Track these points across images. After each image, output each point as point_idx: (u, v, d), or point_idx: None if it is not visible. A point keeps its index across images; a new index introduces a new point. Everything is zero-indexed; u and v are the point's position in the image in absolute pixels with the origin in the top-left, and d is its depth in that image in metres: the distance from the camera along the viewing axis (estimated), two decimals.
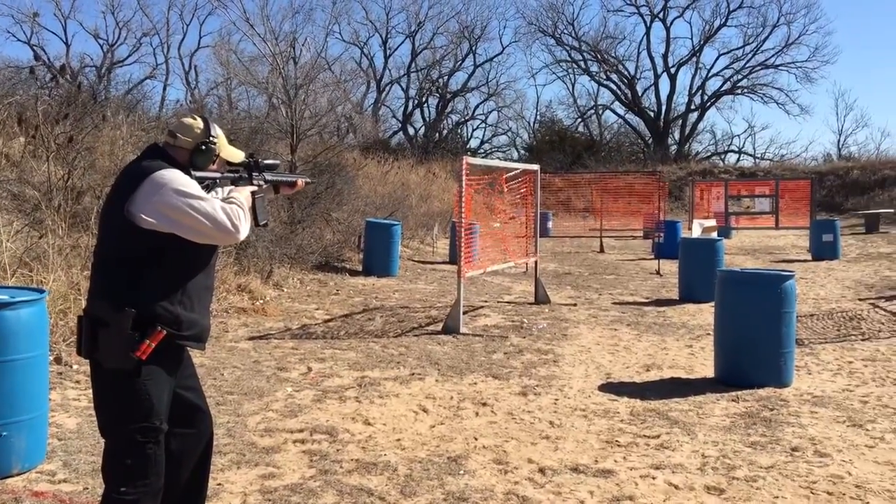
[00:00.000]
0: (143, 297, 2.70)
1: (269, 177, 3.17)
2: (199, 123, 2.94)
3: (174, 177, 2.75)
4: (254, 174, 3.11)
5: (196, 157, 2.90)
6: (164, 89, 40.17)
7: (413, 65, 46.82)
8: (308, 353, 7.14)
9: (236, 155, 3.07)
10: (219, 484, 4.03)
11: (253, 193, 3.04)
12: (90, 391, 5.57)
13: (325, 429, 4.94)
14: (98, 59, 36.75)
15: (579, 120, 49.19)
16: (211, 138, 2.92)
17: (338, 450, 4.57)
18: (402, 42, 48.22)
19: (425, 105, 48.39)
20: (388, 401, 5.66)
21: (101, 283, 2.80)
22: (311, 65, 15.82)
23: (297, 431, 4.89)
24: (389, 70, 47.25)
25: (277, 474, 4.18)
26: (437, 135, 46.67)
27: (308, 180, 3.56)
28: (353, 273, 13.11)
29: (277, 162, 3.28)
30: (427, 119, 48.21)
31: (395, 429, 5.02)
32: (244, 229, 2.82)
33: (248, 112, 19.68)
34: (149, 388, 2.74)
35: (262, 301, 9.49)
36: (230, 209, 2.80)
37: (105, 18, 51.76)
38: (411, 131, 47.70)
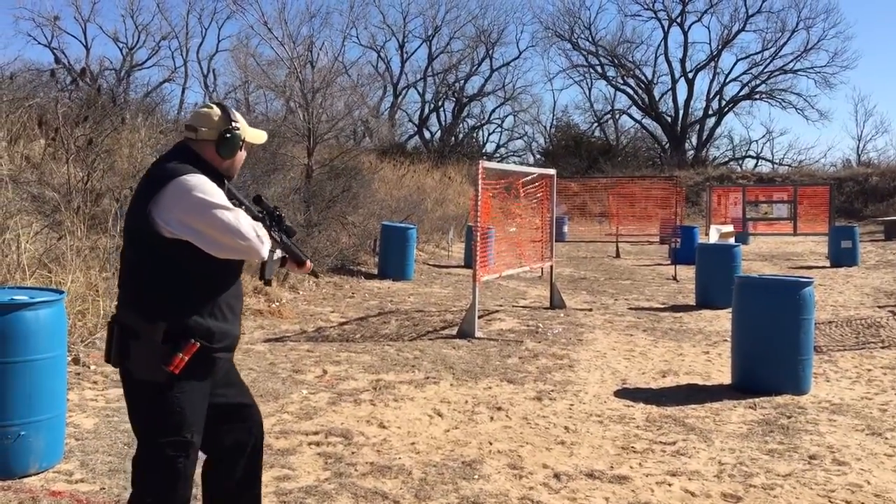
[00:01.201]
0: (175, 308, 2.58)
1: (285, 239, 2.95)
2: (217, 111, 2.75)
3: (200, 183, 2.58)
4: (273, 228, 2.88)
5: (222, 148, 2.71)
6: (183, 92, 40.46)
7: (429, 69, 46.94)
8: (323, 355, 7.15)
9: (260, 136, 2.91)
10: None
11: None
12: (107, 392, 5.63)
13: (340, 431, 4.94)
14: (117, 63, 37.12)
15: (595, 124, 49.13)
16: (233, 124, 2.72)
17: (353, 452, 4.57)
18: (419, 46, 48.22)
19: (441, 109, 48.50)
20: (403, 404, 5.66)
21: (131, 291, 2.67)
22: (329, 69, 15.88)
23: (313, 434, 4.89)
24: (406, 74, 47.40)
25: (292, 476, 4.19)
26: (453, 139, 46.71)
27: (317, 273, 3.28)
28: (369, 276, 13.14)
29: (296, 231, 3.07)
30: (443, 123, 48.30)
31: (410, 432, 5.01)
32: (266, 249, 2.68)
33: (266, 115, 19.75)
34: (182, 401, 2.62)
35: (278, 303, 9.52)
36: (255, 224, 2.66)
37: (124, 22, 52.04)
38: (427, 135, 47.81)
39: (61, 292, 4.42)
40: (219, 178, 2.70)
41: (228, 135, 2.71)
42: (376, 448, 4.66)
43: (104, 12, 62.93)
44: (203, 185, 2.58)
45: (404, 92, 47.47)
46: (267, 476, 4.19)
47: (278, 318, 8.89)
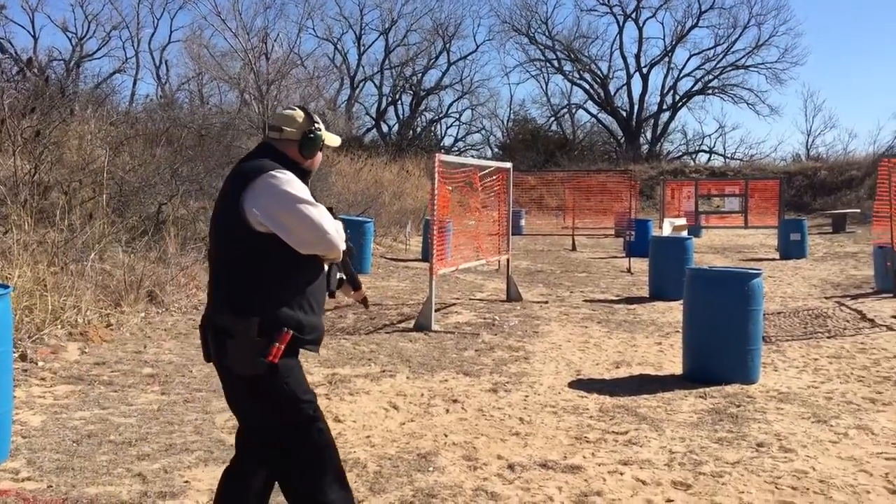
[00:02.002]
0: (267, 302, 2.67)
1: (346, 259, 3.00)
2: (300, 113, 2.91)
3: (288, 179, 2.71)
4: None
5: (304, 148, 2.86)
6: (134, 84, 39.59)
7: (387, 62, 46.76)
8: None
9: (335, 140, 3.05)
10: (186, 481, 4.00)
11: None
12: (56, 388, 5.52)
13: None
14: (66, 53, 36.14)
15: (552, 119, 49.43)
16: (315, 126, 2.88)
17: None
18: (376, 39, 47.93)
19: (399, 102, 48.36)
20: (359, 398, 5.65)
21: (222, 290, 2.77)
22: (284, 60, 15.73)
23: None
24: (363, 67, 47.15)
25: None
26: (411, 132, 46.62)
27: (367, 303, 3.38)
28: None
29: (355, 253, 3.21)
30: (401, 116, 48.19)
31: (365, 426, 5.01)
32: (343, 246, 2.82)
33: (220, 107, 19.49)
34: (288, 380, 2.73)
35: None
36: (336, 222, 2.79)
37: (74, 11, 50.82)
38: (385, 129, 47.67)
39: (7, 287, 4.31)
40: (302, 174, 2.84)
41: (311, 135, 2.86)
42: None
43: (53, 1, 61.55)
44: (290, 181, 2.72)
45: (361, 85, 47.27)
46: (219, 472, 4.11)
47: None
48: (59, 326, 6.93)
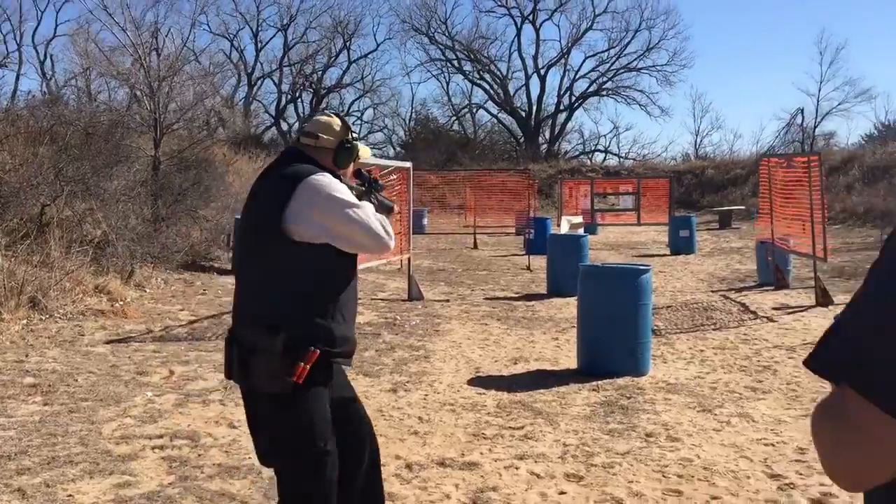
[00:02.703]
0: (298, 315, 2.56)
1: (381, 198, 3.05)
2: (338, 121, 2.84)
3: (330, 182, 2.63)
4: (372, 194, 3.00)
5: (339, 157, 2.78)
6: (17, 79, 37.64)
7: (286, 59, 46.04)
8: (171, 355, 6.87)
9: (367, 152, 2.98)
10: (69, 495, 3.83)
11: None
12: None
13: (186, 434, 4.77)
14: None
15: (454, 118, 49.84)
16: (352, 135, 2.81)
17: (199, 455, 4.42)
18: (274, 35, 47.12)
19: (299, 100, 47.73)
20: None
21: (251, 304, 2.65)
22: (176, 56, 15.23)
23: (157, 437, 4.70)
24: (261, 64, 46.28)
25: (133, 482, 4.00)
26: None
27: (397, 208, 3.49)
28: (222, 272, 12.73)
29: (383, 185, 3.20)
30: (301, 114, 47.48)
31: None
32: (393, 243, 2.76)
33: (109, 105, 18.71)
34: (310, 410, 2.63)
35: (122, 302, 9.06)
36: (382, 218, 2.72)
37: None
38: (285, 127, 46.87)
39: None
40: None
41: (348, 145, 2.80)
42: (225, 449, 4.53)
43: None
44: (333, 184, 2.65)
45: (260, 82, 46.38)
46: (105, 483, 3.99)
47: (122, 318, 8.47)
48: None
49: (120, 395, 5.61)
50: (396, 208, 3.38)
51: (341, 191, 2.65)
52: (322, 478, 2.69)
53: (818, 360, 1.03)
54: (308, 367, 2.54)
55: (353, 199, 2.67)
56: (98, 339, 7.50)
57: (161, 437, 4.71)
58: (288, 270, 2.60)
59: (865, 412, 0.92)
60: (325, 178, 2.64)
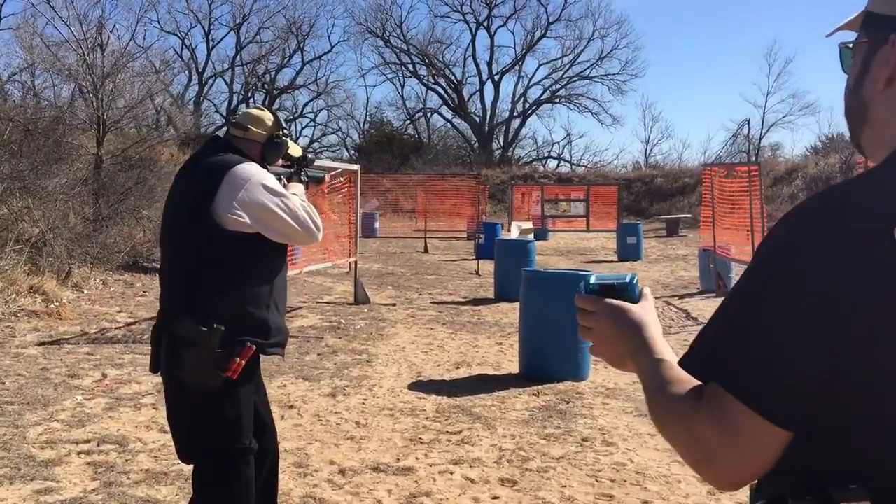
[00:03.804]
0: (232, 307, 2.51)
1: (311, 174, 3.06)
2: (270, 115, 2.81)
3: (257, 171, 2.61)
4: (303, 173, 3.00)
5: (268, 151, 2.77)
6: None
7: (238, 58, 45.48)
8: (105, 358, 6.70)
9: (297, 149, 2.95)
10: None
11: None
12: None
13: (114, 438, 4.65)
14: None
15: (408, 122, 49.78)
16: (283, 131, 2.78)
17: (127, 460, 4.31)
18: (227, 34, 46.54)
19: (251, 101, 47.07)
20: None
21: (183, 296, 2.55)
22: (122, 52, 14.92)
23: (84, 442, 4.57)
24: (213, 63, 45.62)
25: (56, 489, 3.88)
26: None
27: (328, 176, 3.46)
28: None
29: (313, 158, 3.18)
30: None
31: None
32: (321, 235, 2.74)
33: (53, 101, 18.26)
34: (238, 406, 2.59)
35: (57, 304, 8.82)
36: (309, 208, 2.68)
37: None
38: None
39: None
40: None
41: (277, 140, 2.79)
42: (154, 454, 4.42)
43: None
44: (260, 173, 2.62)
45: (211, 81, 45.73)
46: (26, 490, 3.86)
47: (57, 320, 8.24)
48: None
49: (48, 398, 5.45)
50: (327, 178, 3.41)
51: (268, 180, 2.63)
52: (244, 475, 2.66)
53: (687, 360, 1.04)
54: (243, 362, 2.52)
55: (281, 189, 2.66)
56: (30, 340, 7.28)
57: (88, 441, 4.58)
58: (221, 260, 2.56)
59: (740, 411, 0.93)
60: (251, 168, 2.62)
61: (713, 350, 1.00)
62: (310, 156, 3.12)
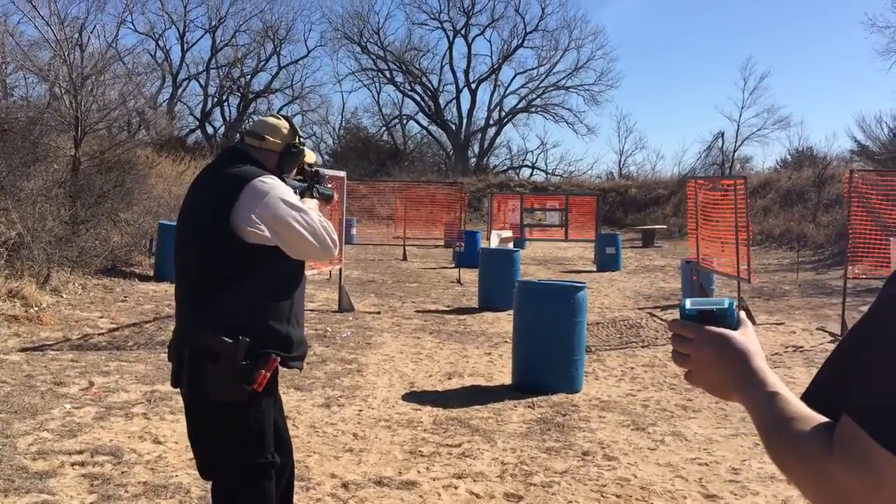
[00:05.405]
0: (257, 319, 2.47)
1: (322, 190, 3.03)
2: (286, 123, 2.77)
3: (277, 184, 2.58)
4: (315, 189, 2.96)
5: (285, 161, 2.73)
6: None
7: (213, 61, 45.08)
8: (90, 365, 6.56)
9: (312, 156, 2.91)
10: None
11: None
12: None
13: (108, 449, 4.54)
14: None
15: (384, 128, 49.73)
16: (299, 139, 2.73)
17: (123, 472, 4.21)
18: (202, 37, 46.11)
19: (226, 104, 46.82)
20: (181, 417, 5.28)
21: (207, 308, 2.49)
22: (101, 54, 14.70)
23: (77, 453, 4.45)
24: (187, 65, 45.17)
25: (52, 502, 3.78)
26: (239, 135, 45.14)
27: (336, 196, 3.39)
28: (144, 279, 12.29)
29: (324, 175, 3.15)
30: (227, 118, 46.60)
31: (189, 447, 4.70)
32: (336, 251, 2.69)
33: (27, 100, 17.91)
34: (262, 420, 2.57)
35: (36, 308, 8.63)
36: (326, 224, 2.64)
37: None
38: (210, 130, 45.89)
39: None
40: None
41: (294, 149, 2.75)
42: (150, 466, 4.32)
43: None
44: (280, 187, 2.59)
45: (185, 84, 45.27)
46: (21, 503, 3.75)
47: (37, 325, 8.05)
48: None
49: (36, 406, 5.31)
50: (336, 196, 3.35)
51: (288, 195, 2.60)
52: (266, 490, 2.62)
53: (814, 394, 1.01)
54: (268, 374, 2.50)
55: (300, 204, 2.62)
56: (11, 346, 7.11)
57: (81, 452, 4.46)
58: (242, 273, 2.52)
59: (887, 461, 0.89)
60: (271, 181, 2.59)
61: (845, 387, 0.96)
62: (321, 172, 3.08)
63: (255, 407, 2.52)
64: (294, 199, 2.61)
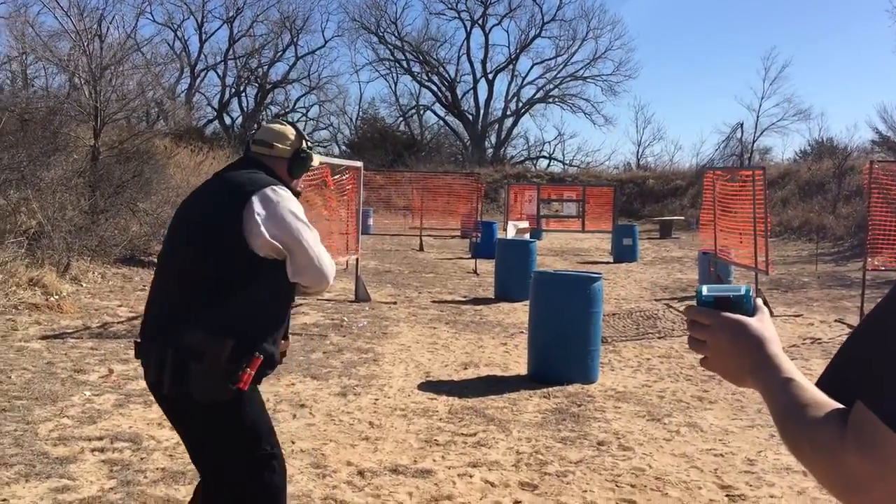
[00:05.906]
0: (246, 324, 2.45)
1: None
2: (291, 129, 2.77)
3: (287, 196, 2.56)
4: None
5: (294, 167, 2.72)
6: None
7: (231, 52, 45.22)
8: (109, 353, 6.64)
9: (318, 159, 2.90)
10: (3, 499, 3.64)
11: None
12: None
13: (127, 436, 4.60)
14: None
15: (401, 119, 49.68)
16: (307, 144, 2.73)
17: (142, 458, 4.26)
18: (220, 27, 46.36)
19: (243, 94, 46.95)
20: None
21: (195, 308, 2.46)
22: (121, 44, 14.79)
23: (96, 439, 4.52)
24: (205, 56, 45.37)
25: (73, 487, 3.83)
26: (256, 126, 45.28)
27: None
28: None
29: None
30: (245, 109, 46.76)
31: None
32: (332, 279, 2.64)
33: (46, 91, 18.07)
34: (252, 413, 2.54)
35: (57, 297, 8.73)
36: (325, 253, 2.60)
37: None
38: (228, 121, 46.09)
39: None
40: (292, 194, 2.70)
41: (303, 154, 2.74)
42: (168, 453, 4.37)
43: None
44: (291, 199, 2.58)
45: (203, 74, 45.48)
46: (42, 487, 3.81)
47: (58, 313, 8.15)
48: None
49: (56, 393, 5.38)
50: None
51: (298, 207, 2.60)
52: (273, 481, 2.59)
53: (828, 380, 1.01)
54: (253, 372, 2.46)
55: (305, 218, 2.60)
56: (32, 334, 7.20)
57: (101, 438, 4.52)
58: (243, 280, 2.49)
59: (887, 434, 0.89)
60: (281, 191, 2.57)
61: (859, 374, 0.96)
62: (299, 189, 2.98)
63: (242, 404, 2.49)
64: (301, 212, 2.60)
